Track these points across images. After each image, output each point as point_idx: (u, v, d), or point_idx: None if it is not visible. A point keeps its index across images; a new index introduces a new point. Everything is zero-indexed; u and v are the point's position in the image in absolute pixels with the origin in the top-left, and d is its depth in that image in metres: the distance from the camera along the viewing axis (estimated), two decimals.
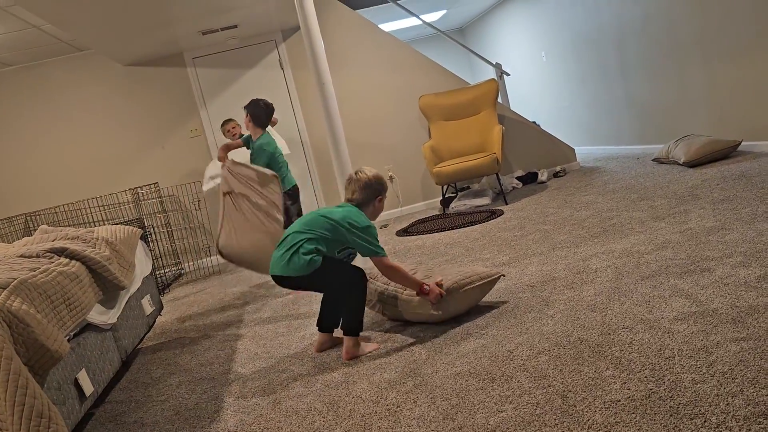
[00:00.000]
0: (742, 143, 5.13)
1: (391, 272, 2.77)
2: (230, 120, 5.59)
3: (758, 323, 2.05)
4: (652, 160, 5.83)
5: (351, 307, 2.73)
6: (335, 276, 2.71)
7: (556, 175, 6.53)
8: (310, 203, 6.39)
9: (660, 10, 5.78)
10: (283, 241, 2.79)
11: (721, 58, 5.18)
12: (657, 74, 6.12)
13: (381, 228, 6.01)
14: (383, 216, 6.47)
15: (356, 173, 2.85)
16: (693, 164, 5.09)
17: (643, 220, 3.78)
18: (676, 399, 1.72)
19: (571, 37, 7.57)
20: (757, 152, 4.95)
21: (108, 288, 2.78)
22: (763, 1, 4.58)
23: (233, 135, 5.43)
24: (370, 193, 2.83)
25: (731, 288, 2.39)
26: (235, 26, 5.59)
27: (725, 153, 5.06)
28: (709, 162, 5.07)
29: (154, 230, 6.00)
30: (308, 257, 2.64)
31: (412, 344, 2.67)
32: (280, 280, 2.77)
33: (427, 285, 2.77)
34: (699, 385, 1.76)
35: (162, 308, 3.80)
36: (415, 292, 2.84)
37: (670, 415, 1.65)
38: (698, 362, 1.89)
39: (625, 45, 6.46)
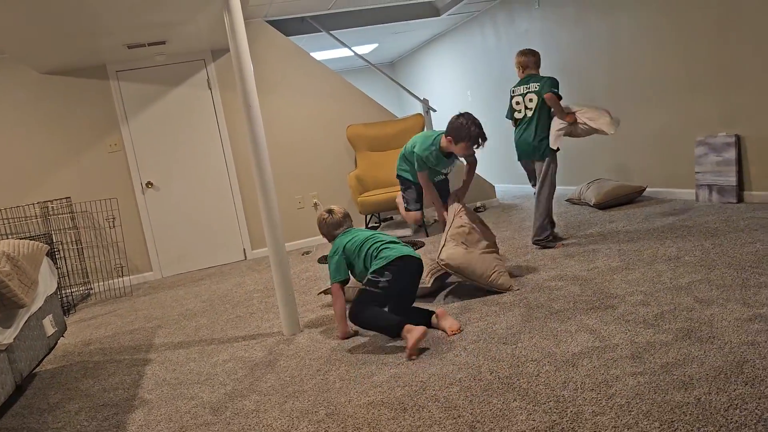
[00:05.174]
0: (647, 189, 5.49)
1: None
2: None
3: (654, 359, 2.18)
4: (566, 201, 6.12)
5: None
6: None
7: (476, 210, 6.73)
8: (232, 227, 6.28)
9: (576, 61, 6.14)
10: None
11: (628, 111, 5.55)
12: None
13: (303, 255, 5.97)
14: (306, 243, 6.43)
15: None
16: (602, 206, 5.38)
17: (555, 257, 3.95)
18: (577, 430, 1.80)
19: (495, 78, 7.89)
20: (660, 198, 5.31)
21: (6, 305, 2.61)
22: (660, 63, 4.98)
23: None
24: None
25: (631, 325, 2.54)
26: (164, 42, 5.47)
27: (631, 197, 5.40)
28: (617, 205, 5.38)
29: (62, 247, 5.70)
30: None
31: (326, 373, 2.66)
32: None
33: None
34: (598, 417, 1.85)
35: (65, 329, 3.59)
36: None
37: None
38: (599, 395, 1.98)
39: None
